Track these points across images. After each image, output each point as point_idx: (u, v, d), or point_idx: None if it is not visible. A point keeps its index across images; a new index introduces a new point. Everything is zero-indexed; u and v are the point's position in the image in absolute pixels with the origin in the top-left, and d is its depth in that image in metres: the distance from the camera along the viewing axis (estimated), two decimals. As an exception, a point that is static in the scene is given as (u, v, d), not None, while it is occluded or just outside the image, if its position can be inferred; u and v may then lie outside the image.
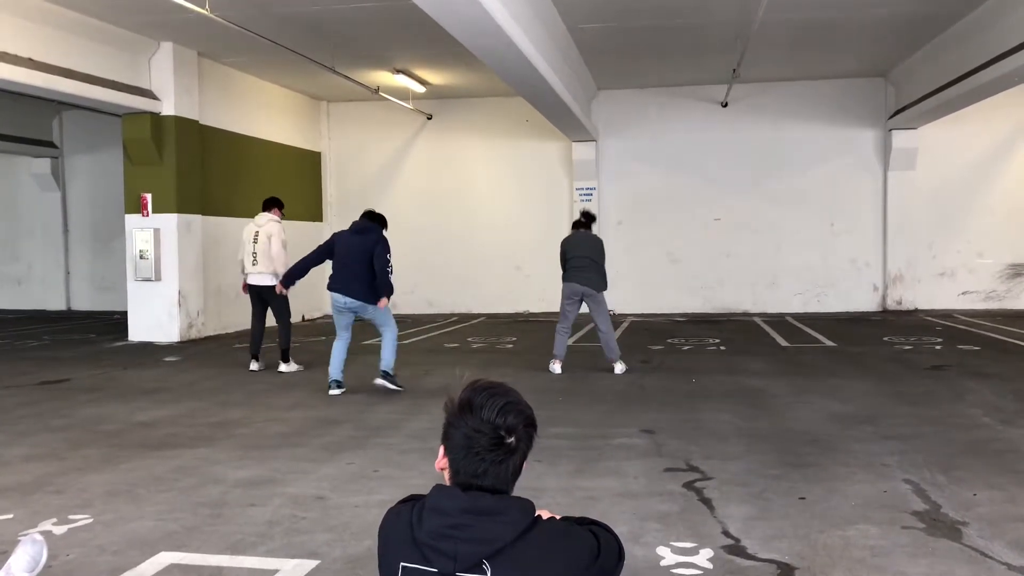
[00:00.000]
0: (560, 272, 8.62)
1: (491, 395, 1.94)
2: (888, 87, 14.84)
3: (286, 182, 14.88)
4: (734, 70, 12.62)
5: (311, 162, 16.19)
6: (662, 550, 3.65)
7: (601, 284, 8.43)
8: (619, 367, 8.48)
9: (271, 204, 9.29)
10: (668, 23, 11.00)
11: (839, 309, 15.10)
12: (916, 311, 14.71)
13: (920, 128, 14.52)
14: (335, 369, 7.65)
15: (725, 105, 15.17)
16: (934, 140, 14.70)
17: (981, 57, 10.65)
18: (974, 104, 12.84)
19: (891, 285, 15.02)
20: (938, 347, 10.12)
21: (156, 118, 11.78)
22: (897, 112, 14.37)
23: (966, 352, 9.66)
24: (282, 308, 8.98)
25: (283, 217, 9.34)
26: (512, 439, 1.92)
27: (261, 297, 9.06)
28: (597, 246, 8.55)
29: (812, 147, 15.17)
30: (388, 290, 7.47)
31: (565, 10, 10.33)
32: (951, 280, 15.06)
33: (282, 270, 8.59)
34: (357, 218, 7.84)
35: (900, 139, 14.67)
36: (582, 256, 8.44)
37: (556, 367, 8.60)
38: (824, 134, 15.13)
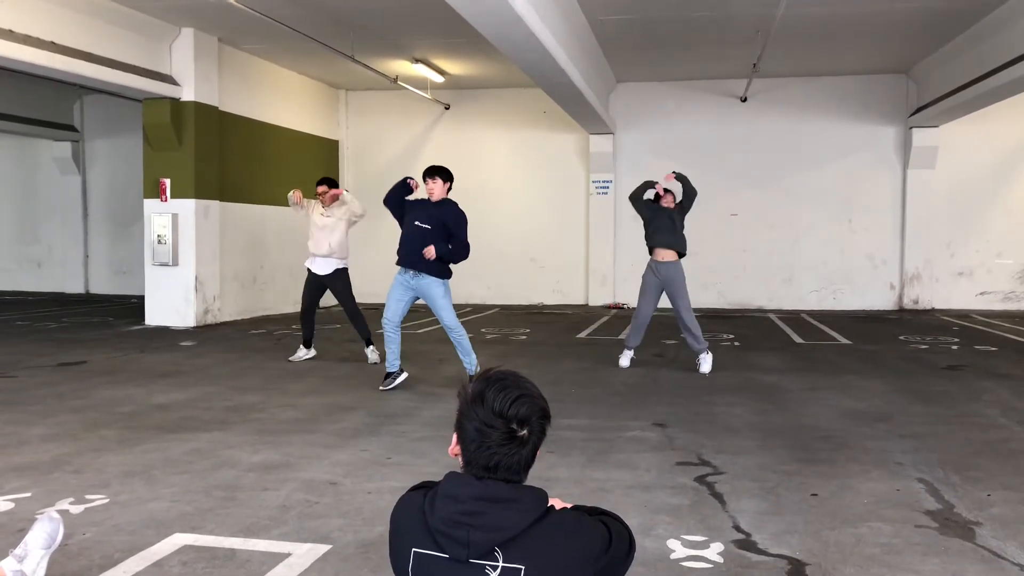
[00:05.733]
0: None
1: (503, 387, 1.93)
2: (910, 84, 14.70)
3: (303, 170, 14.93)
4: (754, 64, 12.53)
5: (329, 150, 16.23)
6: (672, 543, 3.65)
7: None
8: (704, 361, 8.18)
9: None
10: (688, 16, 10.94)
11: (855, 307, 15.01)
12: (933, 310, 14.60)
13: (941, 126, 14.39)
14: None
15: (744, 100, 15.09)
16: (955, 138, 14.56)
17: (1005, 55, 10.53)
18: (996, 103, 12.71)
19: (908, 284, 14.91)
20: (955, 347, 10.05)
21: (176, 103, 11.84)
22: (919, 109, 14.24)
23: (983, 352, 9.59)
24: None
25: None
26: (524, 431, 1.92)
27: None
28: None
29: (831, 143, 15.06)
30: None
31: (585, 1, 10.29)
32: (969, 280, 14.94)
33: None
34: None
35: (921, 137, 14.54)
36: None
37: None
38: (844, 130, 15.02)
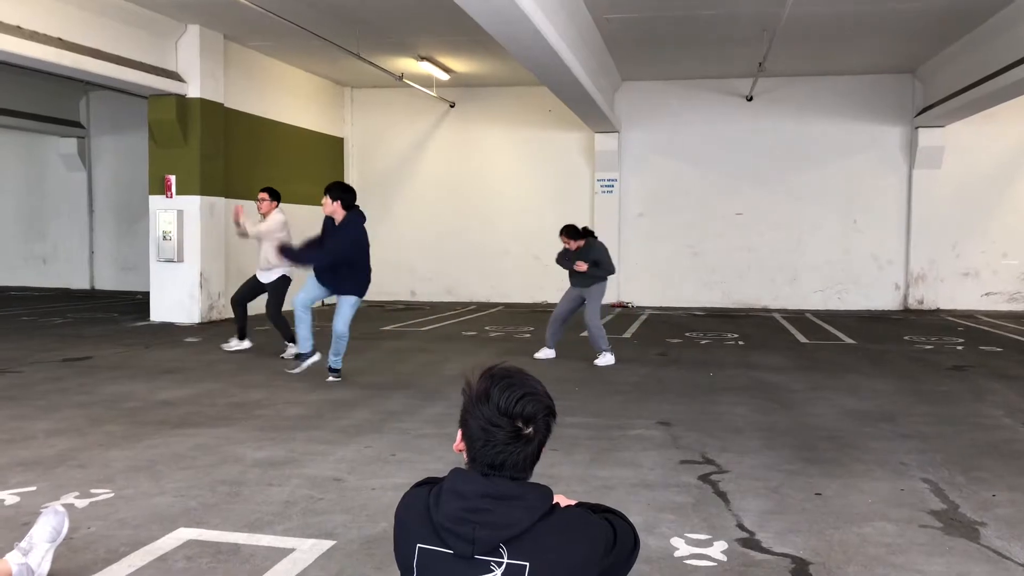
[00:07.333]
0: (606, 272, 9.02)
1: (509, 385, 1.92)
2: (916, 83, 14.66)
3: (308, 167, 14.95)
4: (760, 63, 12.51)
5: (333, 147, 16.24)
6: (676, 541, 3.66)
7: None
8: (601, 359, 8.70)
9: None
10: (694, 15, 10.92)
11: (860, 307, 14.98)
12: (938, 311, 14.57)
13: (947, 126, 14.35)
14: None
15: (750, 99, 15.06)
16: (961, 138, 14.52)
17: (1012, 55, 10.49)
18: (1003, 103, 12.68)
19: (913, 284, 14.88)
20: (960, 347, 10.03)
21: (182, 100, 11.85)
22: (924, 109, 14.20)
23: (988, 353, 9.57)
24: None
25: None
26: (530, 429, 1.91)
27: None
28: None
29: (837, 143, 15.03)
30: None
31: (591, 0, 10.28)
32: (974, 280, 14.90)
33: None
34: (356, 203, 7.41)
35: (926, 137, 14.50)
36: None
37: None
38: (849, 130, 14.98)
